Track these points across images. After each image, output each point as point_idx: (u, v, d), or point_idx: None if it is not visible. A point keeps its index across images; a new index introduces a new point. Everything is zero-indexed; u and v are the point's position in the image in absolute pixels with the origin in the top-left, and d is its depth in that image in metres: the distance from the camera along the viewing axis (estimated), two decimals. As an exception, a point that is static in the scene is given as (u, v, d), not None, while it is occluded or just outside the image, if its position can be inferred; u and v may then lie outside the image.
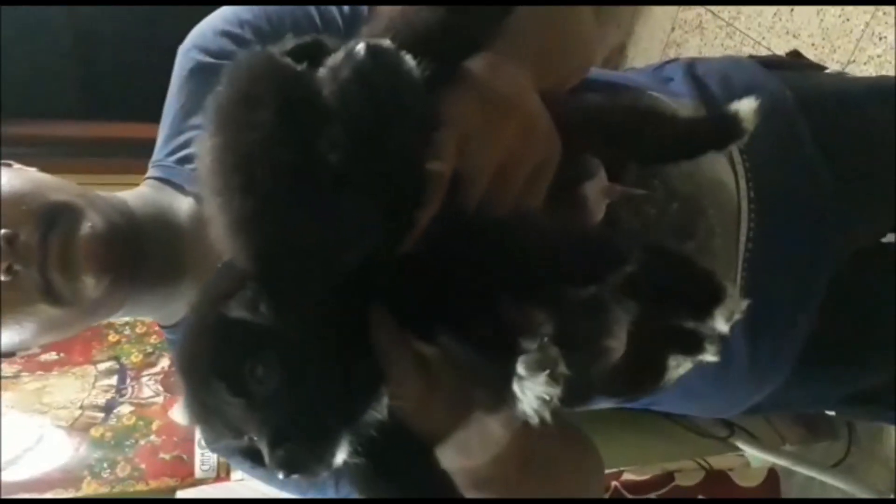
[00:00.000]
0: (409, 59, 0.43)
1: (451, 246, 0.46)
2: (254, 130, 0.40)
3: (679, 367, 0.75)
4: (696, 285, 0.55)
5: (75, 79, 2.43)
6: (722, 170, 0.77)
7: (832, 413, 1.70)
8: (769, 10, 2.22)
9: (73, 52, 2.40)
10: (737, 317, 0.55)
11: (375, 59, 0.41)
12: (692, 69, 0.85)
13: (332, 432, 0.42)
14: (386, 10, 0.57)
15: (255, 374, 0.42)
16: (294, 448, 0.41)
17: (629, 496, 1.98)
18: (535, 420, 0.41)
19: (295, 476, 0.42)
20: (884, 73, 1.88)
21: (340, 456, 0.42)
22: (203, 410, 0.45)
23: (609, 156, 0.61)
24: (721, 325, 0.55)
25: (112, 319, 0.82)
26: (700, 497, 2.01)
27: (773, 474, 2.04)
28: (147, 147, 0.87)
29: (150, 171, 0.84)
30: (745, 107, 0.64)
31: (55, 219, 0.70)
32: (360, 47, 0.41)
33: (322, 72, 0.43)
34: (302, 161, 0.40)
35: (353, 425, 0.43)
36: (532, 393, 0.40)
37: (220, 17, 0.79)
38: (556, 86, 0.67)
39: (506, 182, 0.50)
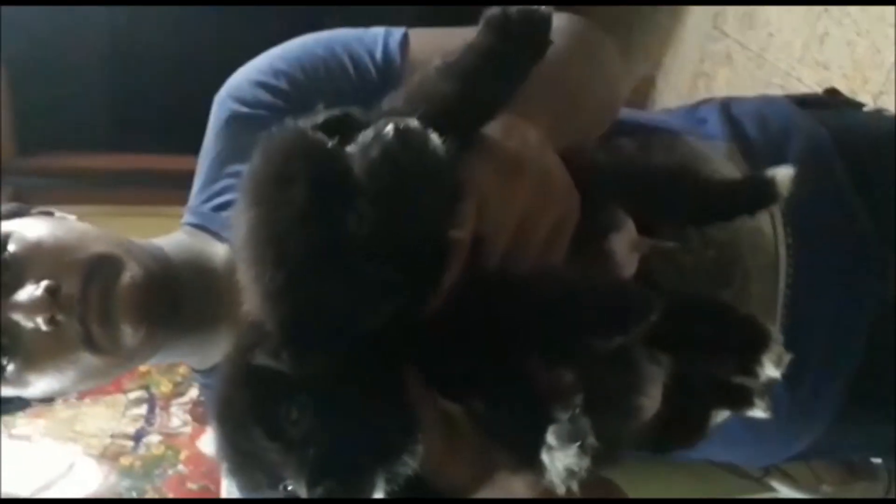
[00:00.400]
0: (434, 139, 0.44)
1: (476, 306, 0.47)
2: (286, 207, 0.43)
3: (718, 415, 0.75)
4: (738, 332, 0.55)
5: (107, 110, 2.48)
6: (759, 215, 0.75)
7: (879, 461, 1.66)
8: (799, 42, 2.22)
9: (105, 85, 2.45)
10: (786, 360, 0.54)
11: (403, 140, 0.42)
12: (727, 109, 0.85)
13: (369, 472, 0.43)
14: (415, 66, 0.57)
15: (289, 417, 0.43)
16: (332, 486, 0.41)
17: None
18: (562, 490, 0.42)
19: None
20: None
21: (378, 496, 0.43)
22: (240, 458, 0.46)
23: (640, 212, 0.61)
24: (771, 370, 0.54)
25: (148, 364, 0.84)
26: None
27: (808, 516, 1.99)
28: (176, 178, 0.89)
29: (186, 217, 0.86)
30: (782, 174, 0.64)
31: (96, 270, 0.72)
32: (389, 129, 0.43)
33: (352, 148, 0.45)
34: (331, 237, 0.42)
35: (388, 467, 0.44)
36: (561, 464, 0.41)
37: (255, 68, 0.80)
38: (583, 136, 0.67)
39: (524, 240, 0.51)
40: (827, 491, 1.87)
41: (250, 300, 0.46)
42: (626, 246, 0.58)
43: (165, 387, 2.00)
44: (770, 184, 0.64)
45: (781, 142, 0.81)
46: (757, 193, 0.65)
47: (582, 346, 0.47)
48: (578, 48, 0.68)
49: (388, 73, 0.76)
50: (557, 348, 0.47)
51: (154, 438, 1.92)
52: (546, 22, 0.50)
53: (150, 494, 1.84)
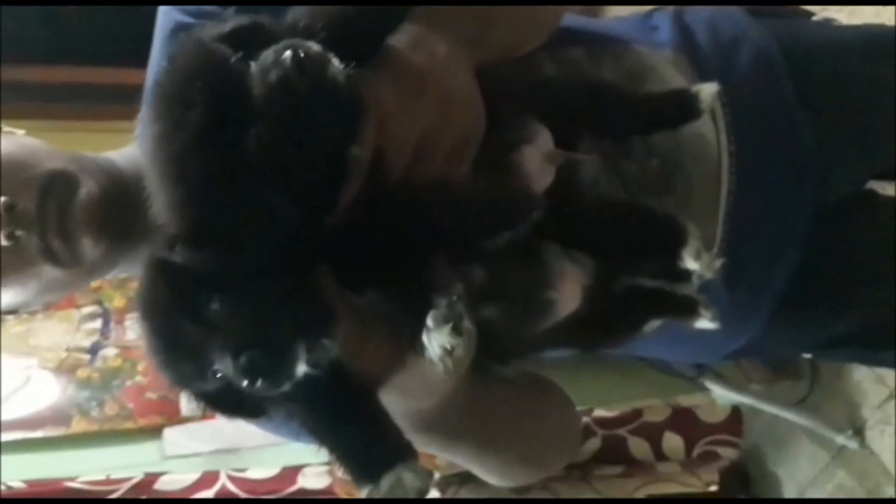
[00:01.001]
0: (334, 64, 0.45)
1: (379, 214, 0.50)
2: (185, 129, 0.45)
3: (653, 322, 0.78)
4: (656, 230, 0.61)
5: (47, 20, 2.36)
6: (703, 124, 0.77)
7: (808, 356, 1.75)
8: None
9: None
10: (707, 256, 0.60)
11: (300, 67, 0.44)
12: (680, 17, 0.86)
13: (290, 344, 0.45)
14: None
15: (211, 304, 0.45)
16: (255, 354, 0.43)
17: (600, 431, 2.07)
18: (439, 368, 0.46)
19: (259, 384, 0.44)
20: (855, 18, 1.90)
21: (300, 367, 0.45)
22: (167, 350, 0.47)
23: (563, 125, 0.62)
24: (691, 264, 0.59)
25: (109, 277, 0.84)
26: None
27: (736, 411, 2.14)
28: (122, 92, 0.87)
29: (138, 130, 0.84)
30: (707, 90, 0.66)
31: (51, 186, 0.72)
32: (287, 55, 0.44)
33: (254, 68, 0.46)
34: (228, 158, 0.45)
35: (309, 340, 0.46)
36: (436, 342, 0.45)
37: None
38: (516, 48, 0.68)
39: (426, 155, 0.54)
40: (756, 389, 2.00)
41: (156, 206, 0.49)
42: (538, 158, 0.59)
43: (119, 301, 2.00)
44: (694, 99, 0.66)
45: (731, 51, 0.83)
46: (681, 108, 0.67)
47: (478, 246, 0.52)
48: None
49: None
50: (457, 248, 0.50)
51: (111, 351, 1.94)
52: None
53: (110, 404, 1.87)
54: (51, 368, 1.87)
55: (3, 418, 1.72)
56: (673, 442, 2.10)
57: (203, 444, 1.83)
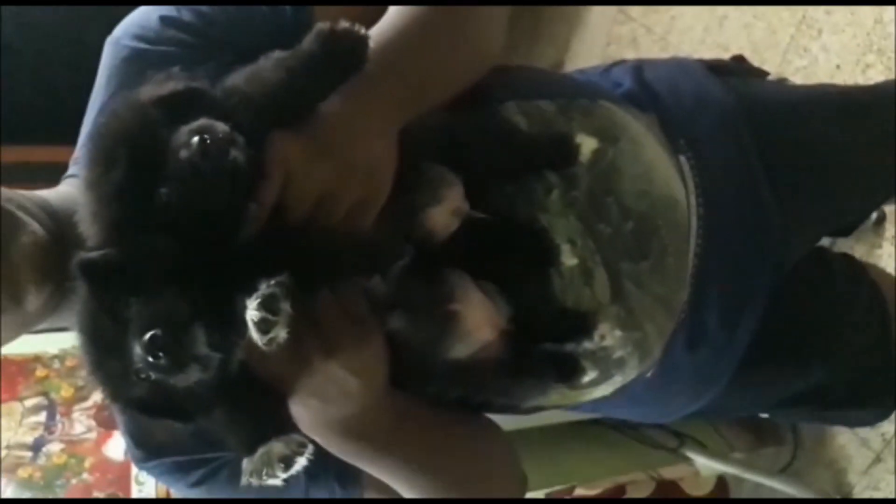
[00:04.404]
0: (234, 149, 0.53)
1: (276, 245, 0.59)
2: (108, 183, 0.56)
3: (596, 389, 0.78)
4: (563, 322, 0.69)
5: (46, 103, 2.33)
6: (675, 186, 0.77)
7: (766, 416, 1.73)
8: (700, 25, 2.28)
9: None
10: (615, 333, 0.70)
11: (204, 153, 0.52)
12: (640, 74, 0.85)
13: (188, 326, 0.52)
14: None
15: (127, 305, 0.53)
16: (157, 332, 0.51)
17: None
18: (258, 339, 0.53)
19: (161, 360, 0.50)
20: (813, 77, 1.94)
21: (201, 347, 0.52)
22: (96, 350, 0.56)
23: (475, 173, 0.67)
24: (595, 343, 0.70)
25: (43, 326, 0.77)
26: (653, 508, 2.02)
27: (722, 482, 2.08)
28: (62, 170, 0.83)
29: (73, 169, 0.79)
30: (588, 145, 0.70)
31: None
32: (195, 141, 0.52)
33: (174, 139, 0.54)
34: (139, 208, 0.55)
35: (208, 328, 0.53)
36: (250, 317, 0.53)
37: (152, 8, 0.75)
38: (456, 88, 0.71)
39: (327, 209, 0.60)
40: (738, 458, 1.95)
41: (86, 229, 0.59)
42: (447, 214, 0.65)
43: (66, 391, 1.88)
44: (574, 149, 0.69)
45: (695, 112, 0.82)
46: (557, 153, 0.70)
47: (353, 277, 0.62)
48: (434, 26, 0.70)
49: (301, 14, 0.73)
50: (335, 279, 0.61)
51: (55, 447, 1.81)
52: (363, 41, 0.59)
53: (54, 506, 1.74)
54: (-11, 469, 1.74)
55: (-67, 527, 1.59)
56: (660, 518, 2.03)
57: (153, 547, 1.70)
